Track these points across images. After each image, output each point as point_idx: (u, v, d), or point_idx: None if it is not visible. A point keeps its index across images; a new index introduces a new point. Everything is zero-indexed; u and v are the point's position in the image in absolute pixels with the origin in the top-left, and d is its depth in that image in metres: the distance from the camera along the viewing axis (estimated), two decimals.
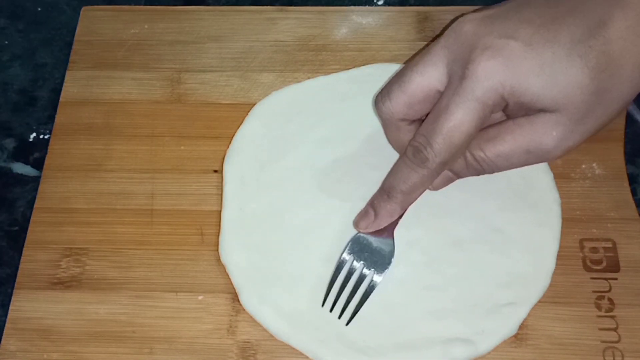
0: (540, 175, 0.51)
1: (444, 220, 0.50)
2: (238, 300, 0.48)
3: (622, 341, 0.46)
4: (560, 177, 0.51)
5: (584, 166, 0.53)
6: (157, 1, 0.64)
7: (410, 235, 0.49)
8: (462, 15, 0.43)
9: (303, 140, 0.54)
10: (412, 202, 0.46)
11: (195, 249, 0.50)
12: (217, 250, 0.50)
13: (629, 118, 0.55)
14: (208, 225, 0.51)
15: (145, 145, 0.55)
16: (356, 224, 0.48)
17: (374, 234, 0.48)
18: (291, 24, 0.60)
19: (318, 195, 0.51)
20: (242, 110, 0.55)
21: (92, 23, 0.60)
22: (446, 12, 0.59)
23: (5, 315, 0.49)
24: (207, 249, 0.50)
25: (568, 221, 0.50)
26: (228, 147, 0.54)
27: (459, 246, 0.49)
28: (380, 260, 0.48)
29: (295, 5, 0.63)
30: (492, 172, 0.45)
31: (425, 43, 0.58)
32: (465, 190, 0.51)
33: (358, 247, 0.48)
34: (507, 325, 0.46)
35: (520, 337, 0.47)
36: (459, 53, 0.42)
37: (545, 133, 0.41)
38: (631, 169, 0.54)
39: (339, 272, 0.48)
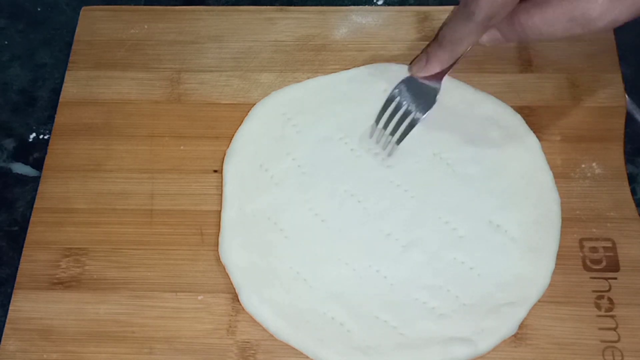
0: (540, 175, 0.51)
1: (444, 220, 0.50)
2: (238, 300, 0.48)
3: (621, 341, 0.46)
4: (560, 177, 0.51)
5: (583, 166, 0.53)
6: (157, 1, 0.64)
7: (410, 235, 0.50)
8: None
9: (303, 140, 0.54)
10: (460, 53, 0.50)
11: (195, 249, 0.50)
12: (217, 250, 0.50)
13: (629, 118, 0.55)
14: (208, 225, 0.51)
15: (145, 145, 0.55)
16: (410, 68, 0.53)
17: (424, 79, 0.52)
18: (291, 24, 0.60)
19: (318, 195, 0.51)
20: (242, 110, 0.55)
21: (91, 23, 0.60)
22: (446, 12, 0.59)
23: (5, 315, 0.49)
24: (207, 249, 0.50)
25: (568, 221, 0.50)
26: (228, 147, 0.54)
27: (459, 246, 0.49)
28: (425, 101, 0.51)
29: (295, 5, 0.63)
30: (535, 38, 0.47)
31: (426, 43, 0.58)
32: (465, 190, 0.51)
33: (407, 86, 0.52)
34: (506, 324, 0.46)
35: (520, 336, 0.47)
36: None
37: (590, 0, 0.43)
38: (631, 169, 0.54)
39: (388, 106, 0.52)
